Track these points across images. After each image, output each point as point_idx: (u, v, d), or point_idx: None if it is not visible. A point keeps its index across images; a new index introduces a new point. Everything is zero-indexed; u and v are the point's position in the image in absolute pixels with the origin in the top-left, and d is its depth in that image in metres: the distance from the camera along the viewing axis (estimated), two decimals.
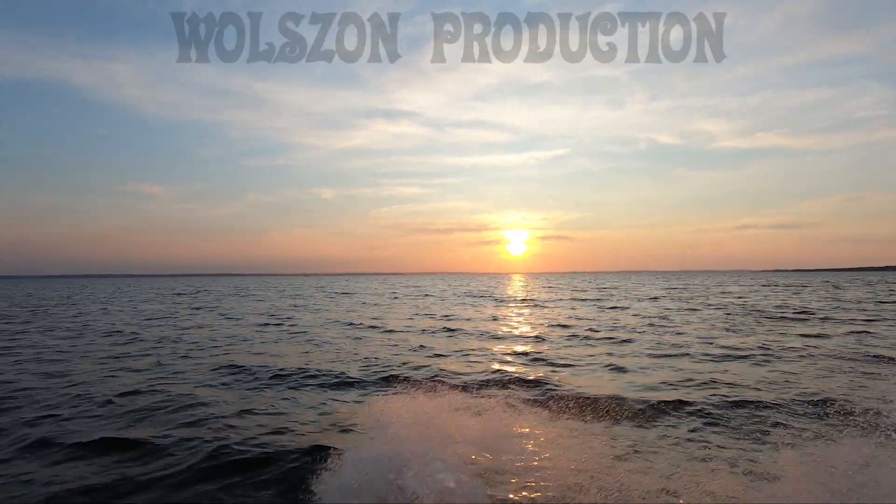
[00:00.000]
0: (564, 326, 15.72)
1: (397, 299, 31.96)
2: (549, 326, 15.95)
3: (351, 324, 17.20)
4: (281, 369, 8.97)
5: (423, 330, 15.27)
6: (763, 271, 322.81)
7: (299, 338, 13.70)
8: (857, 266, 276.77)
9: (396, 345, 12.21)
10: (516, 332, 14.46)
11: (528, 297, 32.87)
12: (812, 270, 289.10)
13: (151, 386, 7.76)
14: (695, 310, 21.23)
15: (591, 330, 14.62)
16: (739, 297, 29.05)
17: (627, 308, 22.60)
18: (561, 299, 30.13)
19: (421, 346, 11.95)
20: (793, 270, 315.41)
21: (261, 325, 17.26)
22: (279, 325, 17.18)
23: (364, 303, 28.77)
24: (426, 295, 37.35)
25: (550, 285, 59.69)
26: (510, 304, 26.50)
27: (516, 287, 56.04)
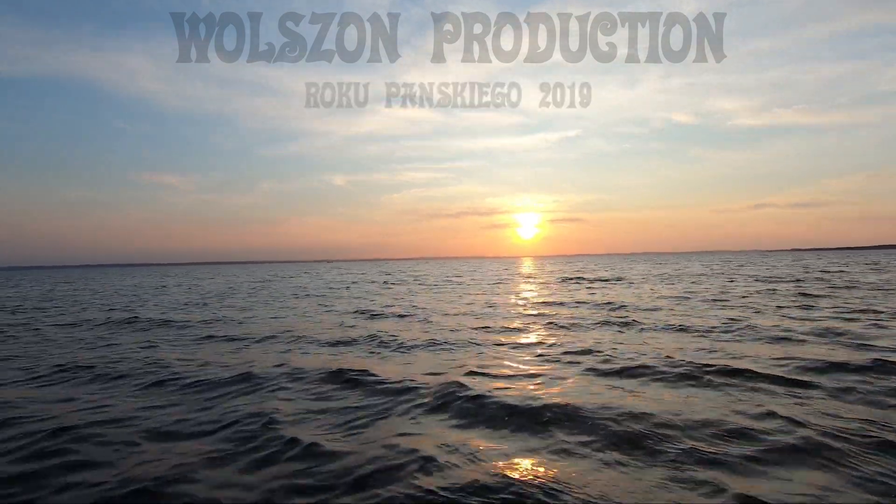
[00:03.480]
0: None
1: (572, 285, 24.96)
2: None
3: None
4: None
5: None
6: (780, 251, 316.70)
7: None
8: (880, 244, 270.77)
9: None
10: None
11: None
12: (834, 249, 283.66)
13: None
14: None
15: None
16: None
17: None
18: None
19: None
20: (812, 249, 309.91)
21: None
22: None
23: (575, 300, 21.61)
24: (568, 279, 30.35)
25: (628, 266, 52.55)
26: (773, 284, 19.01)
27: (600, 270, 48.67)
